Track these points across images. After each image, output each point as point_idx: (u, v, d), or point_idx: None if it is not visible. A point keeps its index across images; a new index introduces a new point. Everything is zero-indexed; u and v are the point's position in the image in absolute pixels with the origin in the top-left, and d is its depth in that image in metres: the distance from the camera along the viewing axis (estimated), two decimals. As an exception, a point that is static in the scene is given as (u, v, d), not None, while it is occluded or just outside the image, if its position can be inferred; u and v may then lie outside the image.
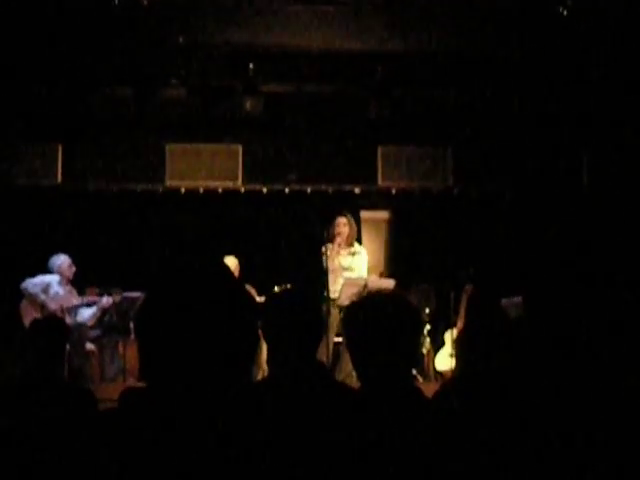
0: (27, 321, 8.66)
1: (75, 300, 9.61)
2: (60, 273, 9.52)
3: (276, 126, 11.77)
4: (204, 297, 1.84)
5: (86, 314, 9.57)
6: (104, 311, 9.68)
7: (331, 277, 9.26)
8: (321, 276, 9.14)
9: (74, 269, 9.66)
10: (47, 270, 9.56)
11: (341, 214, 9.55)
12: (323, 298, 8.91)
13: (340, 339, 9.14)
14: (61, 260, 9.57)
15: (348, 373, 8.76)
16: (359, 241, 10.11)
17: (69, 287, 9.65)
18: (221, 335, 1.81)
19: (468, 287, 10.23)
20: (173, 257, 10.77)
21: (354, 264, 9.41)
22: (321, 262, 9.10)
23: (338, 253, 9.35)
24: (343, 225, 9.42)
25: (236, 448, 1.77)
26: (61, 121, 11.39)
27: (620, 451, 2.90)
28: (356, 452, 2.55)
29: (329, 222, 9.50)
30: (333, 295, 9.10)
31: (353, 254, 9.44)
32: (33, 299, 9.29)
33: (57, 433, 3.94)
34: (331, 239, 9.36)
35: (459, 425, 2.86)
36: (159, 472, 1.73)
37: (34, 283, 9.38)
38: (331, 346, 8.95)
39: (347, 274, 9.26)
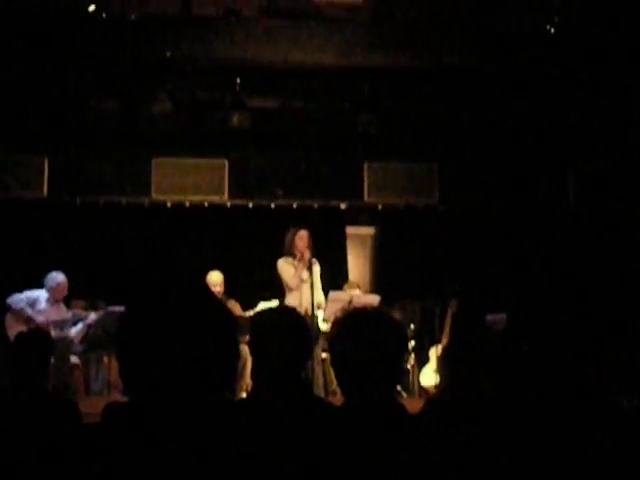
0: (12, 335, 8.61)
1: (62, 315, 9.55)
2: (52, 292, 9.45)
3: (263, 141, 11.78)
4: (184, 313, 1.84)
5: (73, 331, 9.52)
6: (89, 327, 9.62)
7: (296, 292, 9.11)
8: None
9: (66, 292, 9.58)
10: (41, 284, 9.50)
11: (301, 227, 9.33)
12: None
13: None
14: (57, 281, 9.47)
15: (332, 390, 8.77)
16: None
17: (57, 304, 9.58)
18: (201, 350, 1.82)
19: (453, 303, 10.24)
20: (155, 272, 10.75)
21: (312, 277, 9.25)
22: (310, 276, 9.00)
23: (305, 266, 9.17)
24: (307, 238, 9.20)
25: (218, 464, 1.77)
26: (48, 134, 11.37)
27: (603, 464, 2.91)
28: (340, 469, 2.55)
29: (283, 236, 9.37)
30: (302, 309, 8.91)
31: (310, 267, 9.24)
32: (19, 313, 9.24)
33: (40, 446, 3.92)
34: (290, 252, 9.19)
35: (443, 442, 2.87)
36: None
37: (20, 298, 9.33)
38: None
39: (305, 287, 9.08)
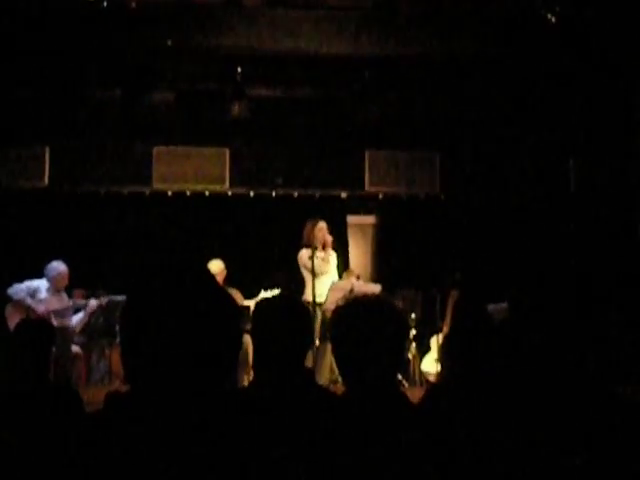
0: (12, 325, 8.61)
1: (63, 304, 9.54)
2: (53, 282, 9.44)
3: (263, 130, 11.76)
4: (186, 301, 1.84)
5: (74, 319, 9.53)
6: (91, 315, 9.62)
7: (317, 281, 9.17)
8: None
9: (67, 282, 9.57)
10: (41, 274, 9.49)
11: (319, 219, 9.47)
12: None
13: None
14: (58, 271, 9.45)
15: (334, 379, 8.75)
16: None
17: (58, 293, 9.56)
18: (203, 338, 1.82)
19: (454, 292, 10.24)
20: (157, 260, 10.74)
21: (330, 267, 9.39)
22: (312, 266, 9.02)
23: (327, 256, 9.33)
24: (326, 229, 9.39)
25: (219, 452, 1.77)
26: (49, 123, 11.36)
27: (603, 452, 2.91)
28: (341, 458, 2.55)
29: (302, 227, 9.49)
30: (320, 299, 9.00)
31: (328, 257, 9.39)
32: (19, 304, 9.24)
33: (42, 434, 3.93)
34: (309, 243, 9.28)
35: (444, 430, 2.87)
36: (142, 475, 1.73)
37: (20, 288, 9.33)
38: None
39: (324, 277, 9.18)
